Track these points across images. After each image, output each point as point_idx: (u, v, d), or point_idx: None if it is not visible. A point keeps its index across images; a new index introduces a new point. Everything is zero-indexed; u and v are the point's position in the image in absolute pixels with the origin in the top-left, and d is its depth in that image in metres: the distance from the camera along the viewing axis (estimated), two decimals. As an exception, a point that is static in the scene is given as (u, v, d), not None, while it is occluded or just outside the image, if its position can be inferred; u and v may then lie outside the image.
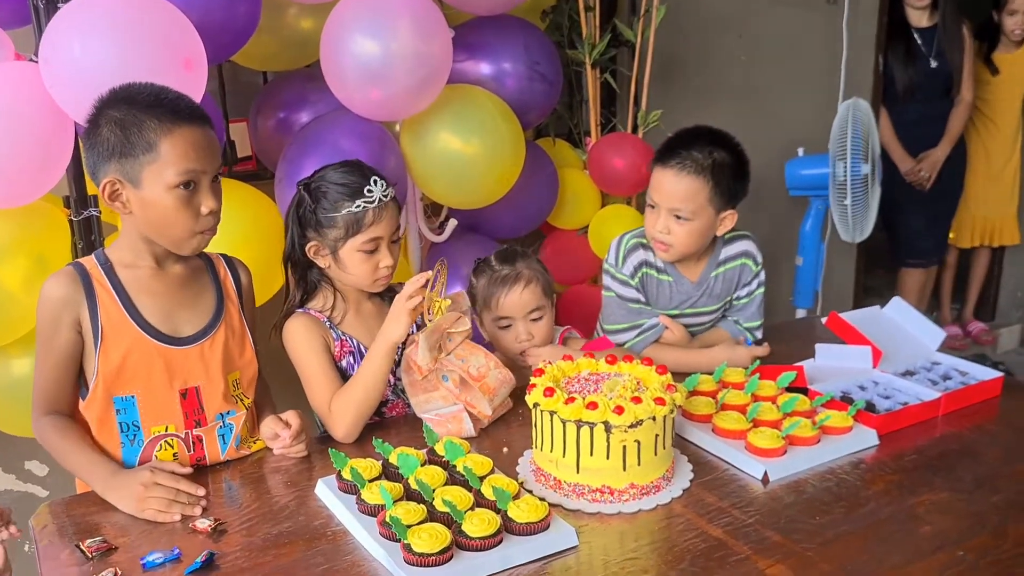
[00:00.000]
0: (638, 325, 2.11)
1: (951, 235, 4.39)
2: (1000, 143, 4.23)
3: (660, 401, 1.49)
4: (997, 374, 1.92)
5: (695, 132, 2.07)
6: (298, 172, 2.22)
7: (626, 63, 3.23)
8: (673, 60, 3.43)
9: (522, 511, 1.37)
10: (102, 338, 1.57)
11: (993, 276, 4.70)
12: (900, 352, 2.04)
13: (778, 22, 3.81)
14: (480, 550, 1.32)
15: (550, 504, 1.44)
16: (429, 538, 1.29)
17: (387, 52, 2.20)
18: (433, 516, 1.38)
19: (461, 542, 1.33)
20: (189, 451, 1.65)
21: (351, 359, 1.85)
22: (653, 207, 2.06)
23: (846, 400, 1.79)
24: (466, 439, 1.67)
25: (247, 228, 2.19)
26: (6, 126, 1.86)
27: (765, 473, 1.56)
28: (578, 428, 1.47)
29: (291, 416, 1.69)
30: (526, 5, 2.81)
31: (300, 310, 1.87)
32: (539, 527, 1.37)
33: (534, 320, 2.05)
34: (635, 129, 3.16)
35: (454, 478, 1.49)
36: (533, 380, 1.60)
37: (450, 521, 1.36)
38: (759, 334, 2.19)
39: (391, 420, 1.91)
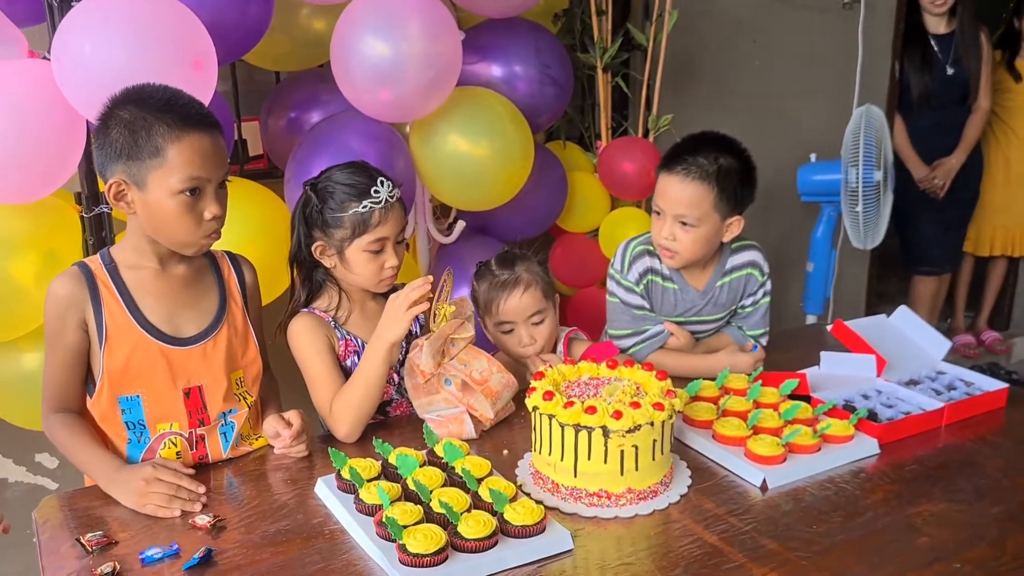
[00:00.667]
0: (641, 331, 2.11)
1: (967, 243, 4.35)
2: (1020, 151, 4.19)
3: (659, 406, 1.50)
4: (1003, 385, 1.90)
5: (702, 138, 2.06)
6: (307, 172, 2.24)
7: (638, 67, 3.23)
8: (686, 64, 3.42)
9: (518, 514, 1.38)
10: (106, 338, 1.59)
11: (1008, 285, 4.66)
12: (905, 361, 2.03)
13: (793, 27, 3.79)
14: (475, 552, 1.33)
15: (547, 507, 1.46)
16: (424, 539, 1.30)
17: (397, 53, 2.21)
18: (430, 517, 1.38)
19: (456, 543, 1.33)
20: (192, 449, 1.67)
21: (355, 359, 1.86)
22: (659, 213, 2.06)
23: (848, 409, 1.79)
24: (467, 441, 1.68)
25: (256, 226, 2.21)
26: (19, 123, 1.88)
27: (764, 480, 1.56)
28: (576, 432, 1.47)
29: (293, 416, 1.71)
30: (538, 8, 2.82)
31: (305, 310, 1.88)
32: (535, 530, 1.37)
33: (535, 323, 2.05)
34: (646, 133, 3.17)
35: (452, 479, 1.50)
36: (533, 383, 1.60)
37: (446, 522, 1.37)
38: (764, 341, 2.18)
39: (393, 420, 1.92)
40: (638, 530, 1.45)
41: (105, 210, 2.10)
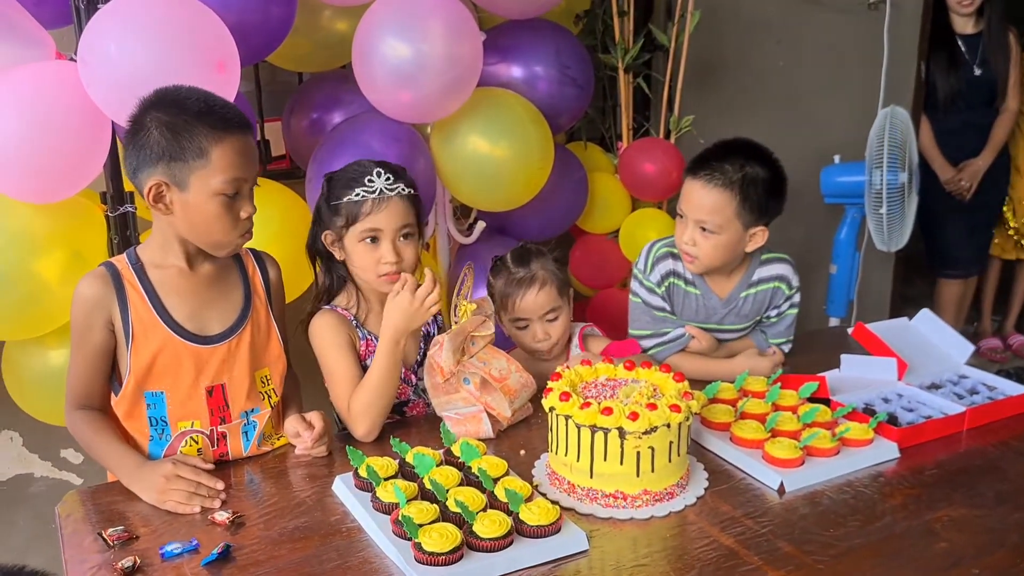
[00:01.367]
0: (661, 333, 2.10)
1: (994, 246, 4.30)
2: (1049, 153, 4.13)
3: (675, 408, 1.49)
4: (1026, 389, 1.88)
5: (731, 144, 2.03)
6: (327, 172, 2.26)
7: (660, 68, 3.23)
8: (708, 65, 3.41)
9: (533, 514, 1.38)
10: (133, 337, 1.61)
11: (1036, 289, 4.59)
12: (927, 365, 2.01)
13: (817, 27, 3.77)
14: (490, 551, 1.33)
15: (563, 508, 1.46)
16: (440, 538, 1.31)
17: (418, 55, 2.22)
18: (446, 516, 1.39)
19: (472, 542, 1.34)
20: (213, 447, 1.69)
21: None
22: (682, 217, 2.04)
23: (868, 412, 1.78)
24: (484, 441, 1.69)
25: (278, 226, 2.23)
26: (46, 123, 1.91)
27: (781, 483, 1.55)
28: (592, 433, 1.47)
29: (314, 418, 1.72)
30: (559, 9, 2.82)
31: (327, 307, 1.89)
32: (550, 530, 1.38)
33: (550, 320, 2.07)
34: (667, 134, 3.16)
35: (468, 479, 1.51)
36: (550, 384, 1.61)
37: (462, 521, 1.37)
38: (786, 349, 2.15)
39: (411, 419, 1.93)
40: (654, 532, 1.45)
41: (130, 209, 2.13)
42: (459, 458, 1.56)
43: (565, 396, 1.53)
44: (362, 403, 1.75)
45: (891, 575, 1.31)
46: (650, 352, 2.10)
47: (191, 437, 1.67)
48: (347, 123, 2.45)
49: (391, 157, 2.24)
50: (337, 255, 1.88)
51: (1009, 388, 1.91)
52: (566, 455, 1.52)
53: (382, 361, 1.75)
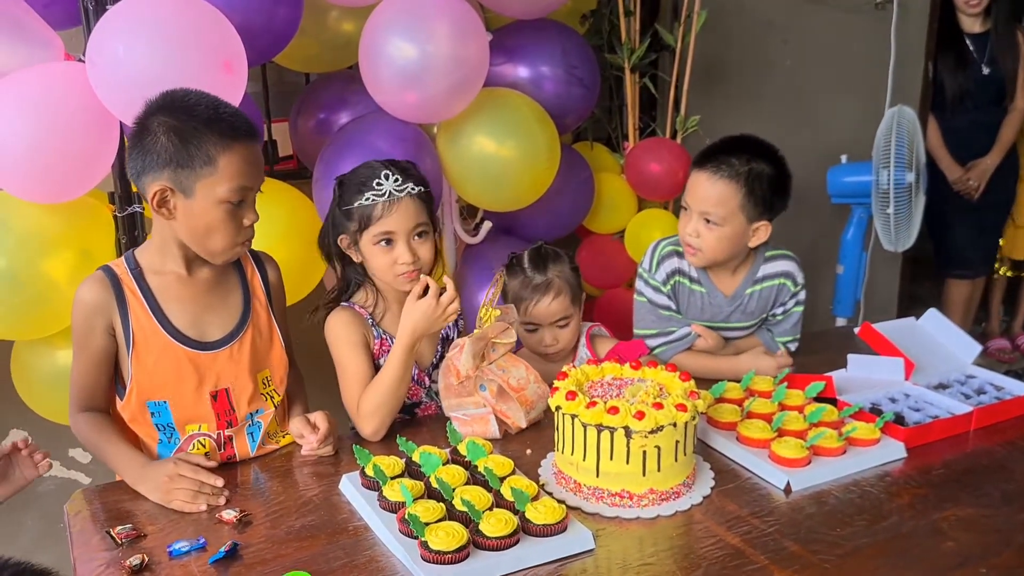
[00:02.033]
0: (667, 332, 2.10)
1: (1002, 246, 4.29)
2: (1058, 152, 4.12)
3: (681, 407, 1.49)
4: (1034, 389, 1.88)
5: (738, 140, 2.04)
6: (335, 172, 2.25)
7: (666, 68, 3.23)
8: (714, 65, 3.41)
9: (540, 513, 1.38)
10: (134, 344, 1.61)
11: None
12: (934, 365, 2.01)
13: (824, 27, 3.76)
14: (496, 550, 1.34)
15: (569, 507, 1.46)
16: (446, 536, 1.31)
17: (424, 55, 2.23)
18: (452, 515, 1.40)
19: (478, 541, 1.34)
20: (221, 450, 1.70)
21: None
22: (686, 209, 2.05)
23: (875, 412, 1.77)
24: (490, 440, 1.69)
25: (285, 226, 2.23)
26: (55, 124, 1.92)
27: (788, 483, 1.55)
28: (598, 432, 1.47)
29: (319, 419, 1.71)
30: (565, 9, 2.83)
31: (344, 304, 1.90)
32: (556, 529, 1.38)
33: (560, 327, 2.07)
34: (674, 134, 3.16)
35: (475, 478, 1.51)
36: (556, 383, 1.61)
37: (468, 520, 1.37)
38: (793, 347, 2.15)
39: (418, 419, 1.93)
40: (660, 531, 1.45)
41: (138, 210, 2.13)
42: (465, 457, 1.56)
43: (571, 395, 1.54)
44: (372, 403, 1.75)
45: (897, 574, 1.31)
46: (656, 351, 2.10)
47: (199, 440, 1.68)
48: (354, 123, 2.45)
49: (397, 157, 2.25)
50: (354, 257, 1.88)
51: (1017, 388, 1.91)
52: (572, 454, 1.52)
53: (396, 362, 1.75)
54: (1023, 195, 4.14)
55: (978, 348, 2.07)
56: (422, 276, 1.79)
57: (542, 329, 2.07)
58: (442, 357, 1.84)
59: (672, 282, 2.11)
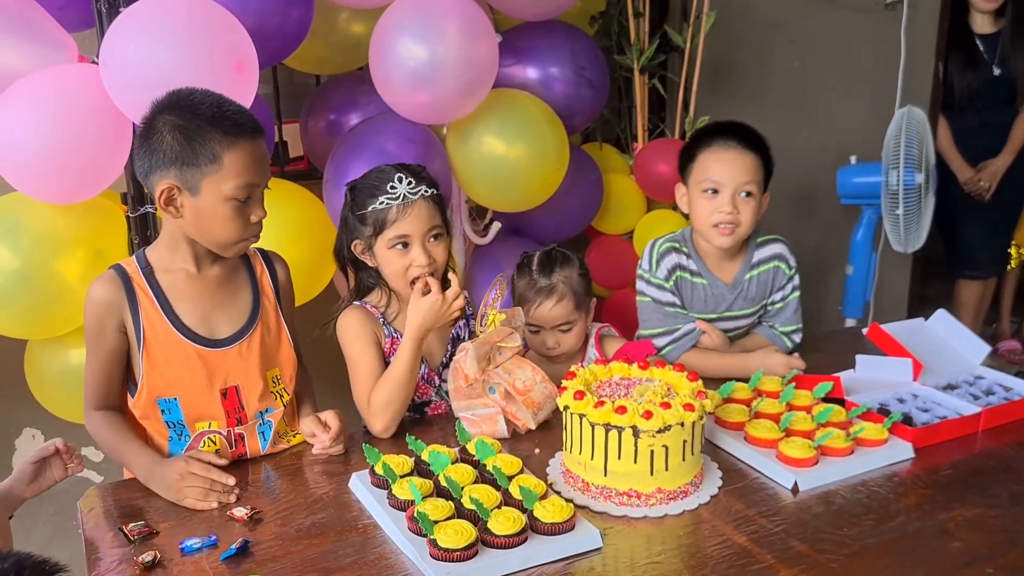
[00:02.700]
0: (673, 330, 2.11)
1: (1014, 247, 4.27)
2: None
3: (689, 407, 1.50)
4: (1043, 390, 1.87)
5: (724, 123, 2.12)
6: (345, 173, 2.28)
7: (675, 69, 3.23)
8: (723, 66, 3.41)
9: (548, 511, 1.39)
10: (145, 341, 1.63)
11: (1057, 290, 4.56)
12: (943, 365, 2.01)
13: (833, 27, 3.76)
14: (505, 548, 1.35)
15: (577, 506, 1.46)
16: (455, 534, 1.32)
17: (434, 57, 2.24)
18: (460, 513, 1.41)
19: (486, 539, 1.35)
20: (231, 447, 1.71)
21: None
22: (715, 191, 2.04)
23: (883, 412, 1.77)
24: (499, 439, 1.70)
25: (296, 227, 2.25)
26: (68, 125, 1.94)
27: (795, 483, 1.55)
28: (606, 431, 1.48)
29: (330, 418, 1.73)
30: (574, 10, 2.83)
31: (357, 303, 1.91)
32: (564, 527, 1.39)
33: (563, 331, 2.08)
34: (683, 135, 3.16)
35: (483, 477, 1.52)
36: (564, 383, 1.62)
37: (477, 518, 1.38)
38: (797, 338, 2.17)
39: (427, 418, 1.95)
40: (667, 530, 1.45)
41: (150, 210, 2.16)
42: (474, 456, 1.57)
43: (579, 395, 1.54)
44: (382, 398, 1.77)
45: (905, 574, 1.31)
46: (664, 351, 2.11)
47: (209, 438, 1.69)
48: (364, 124, 2.47)
49: (407, 158, 2.26)
50: (369, 262, 1.89)
51: (1025, 389, 1.91)
52: (580, 453, 1.53)
53: (405, 358, 1.77)
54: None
55: (987, 349, 2.07)
56: (425, 277, 1.81)
57: (544, 332, 2.09)
58: (452, 356, 1.85)
59: (674, 278, 2.12)
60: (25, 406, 2.36)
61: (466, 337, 1.93)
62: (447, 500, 1.42)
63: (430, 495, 1.46)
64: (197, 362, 1.65)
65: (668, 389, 1.60)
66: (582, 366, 1.70)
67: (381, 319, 1.89)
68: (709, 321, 2.13)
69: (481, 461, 1.55)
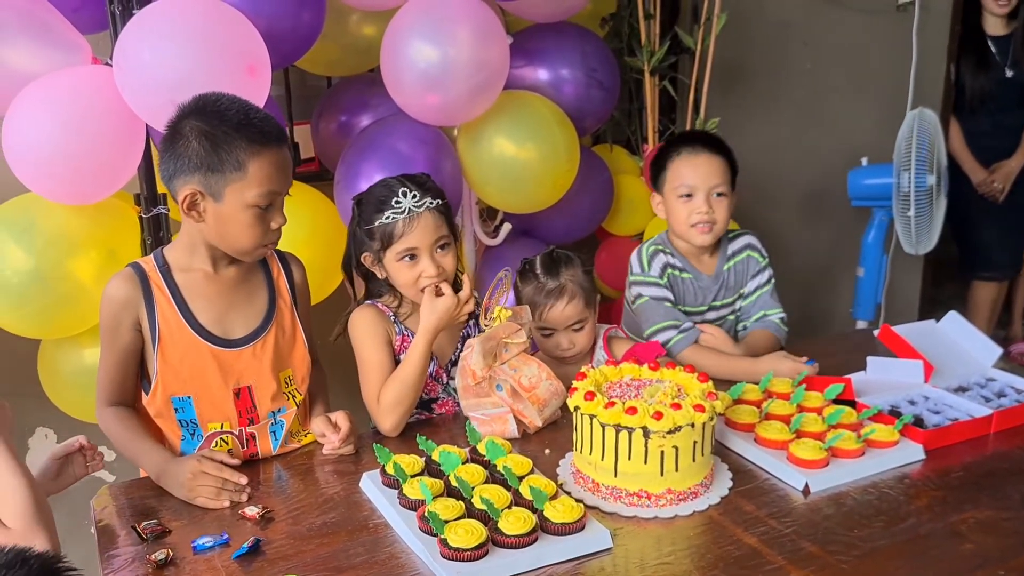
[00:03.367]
0: (677, 324, 2.17)
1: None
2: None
3: (699, 408, 1.50)
4: (1056, 392, 1.87)
5: (689, 132, 2.35)
6: (356, 174, 2.29)
7: (686, 71, 3.23)
8: (734, 68, 3.41)
9: (558, 511, 1.39)
10: (160, 340, 1.64)
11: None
12: (954, 367, 2.00)
13: (845, 29, 3.75)
14: (515, 547, 1.35)
15: (587, 506, 1.47)
16: (465, 534, 1.32)
17: (445, 58, 2.25)
18: (471, 513, 1.41)
19: (497, 539, 1.36)
20: (243, 447, 1.72)
21: None
22: (689, 196, 2.19)
23: (894, 414, 1.77)
24: (509, 440, 1.70)
25: (307, 228, 2.26)
26: (82, 127, 1.95)
27: (806, 484, 1.55)
28: (617, 432, 1.48)
29: (340, 419, 1.74)
30: (585, 12, 2.84)
31: (368, 302, 1.92)
32: (574, 528, 1.39)
33: (576, 331, 2.08)
34: (694, 136, 3.16)
35: (494, 477, 1.52)
36: (575, 384, 1.62)
37: (487, 518, 1.39)
38: (785, 321, 2.30)
39: (437, 419, 1.95)
40: (677, 530, 1.45)
41: (163, 211, 2.17)
42: (484, 456, 1.57)
43: (590, 395, 1.55)
44: (392, 397, 1.78)
45: (916, 575, 1.31)
46: (671, 343, 2.14)
47: (221, 438, 1.70)
48: (375, 126, 2.48)
49: (418, 159, 2.28)
50: (379, 274, 1.90)
51: (1038, 391, 1.90)
52: (591, 454, 1.53)
53: (416, 357, 1.78)
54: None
55: (998, 351, 2.06)
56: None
57: (557, 333, 2.09)
58: (460, 352, 1.86)
59: (666, 275, 2.24)
60: (38, 405, 2.37)
61: (472, 333, 1.94)
62: (458, 500, 1.43)
63: (441, 495, 1.46)
64: (211, 362, 1.66)
65: (678, 390, 1.60)
66: (592, 367, 1.70)
67: (393, 317, 1.90)
68: (701, 313, 2.26)
69: (491, 461, 1.55)
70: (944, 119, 3.77)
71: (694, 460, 1.51)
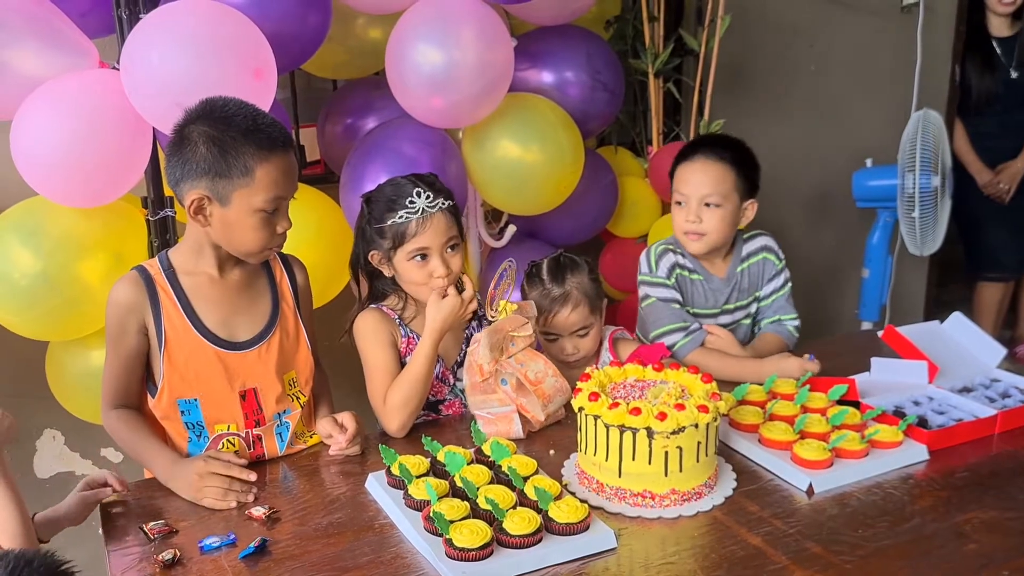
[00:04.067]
0: (684, 326, 2.16)
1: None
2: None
3: (703, 409, 1.51)
4: (1060, 393, 1.87)
5: (707, 137, 2.26)
6: (361, 177, 2.30)
7: (690, 73, 3.24)
8: (739, 70, 3.41)
9: (562, 512, 1.40)
10: (166, 343, 1.65)
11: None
12: (958, 368, 2.00)
13: (849, 31, 3.75)
14: (520, 548, 1.36)
15: (592, 507, 1.47)
16: (470, 534, 1.33)
17: (450, 61, 2.26)
18: (476, 513, 1.42)
19: (501, 539, 1.36)
20: (250, 449, 1.73)
21: None
22: (681, 204, 2.19)
23: (898, 415, 1.77)
24: (514, 440, 1.71)
25: (313, 230, 2.26)
26: (90, 130, 1.97)
27: (810, 485, 1.56)
28: (621, 433, 1.49)
29: (346, 419, 1.75)
30: (590, 15, 2.85)
31: (373, 305, 1.94)
32: (578, 528, 1.40)
33: (580, 336, 2.09)
34: (698, 138, 3.16)
35: (499, 477, 1.53)
36: (579, 384, 1.63)
37: (492, 519, 1.39)
38: (798, 323, 2.28)
39: (443, 419, 1.96)
40: (681, 531, 1.46)
41: (170, 214, 2.18)
42: (489, 457, 1.58)
43: (594, 396, 1.55)
44: (399, 398, 1.79)
45: (920, 575, 1.31)
46: (678, 346, 2.14)
47: (228, 440, 1.71)
48: (380, 128, 2.49)
49: (423, 162, 2.28)
50: (386, 272, 1.92)
51: (1042, 392, 1.90)
52: (595, 454, 1.54)
53: (422, 358, 1.80)
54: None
55: (1003, 352, 2.06)
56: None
57: (562, 338, 2.09)
58: (466, 355, 1.86)
59: (675, 275, 2.23)
60: (46, 407, 2.39)
61: (476, 330, 1.95)
62: (463, 500, 1.43)
63: (446, 495, 1.47)
64: (217, 364, 1.67)
65: (682, 391, 1.61)
66: (597, 368, 1.71)
67: (398, 320, 1.91)
68: (713, 316, 2.24)
69: (496, 462, 1.56)
70: (949, 120, 3.77)
71: (698, 461, 1.51)
